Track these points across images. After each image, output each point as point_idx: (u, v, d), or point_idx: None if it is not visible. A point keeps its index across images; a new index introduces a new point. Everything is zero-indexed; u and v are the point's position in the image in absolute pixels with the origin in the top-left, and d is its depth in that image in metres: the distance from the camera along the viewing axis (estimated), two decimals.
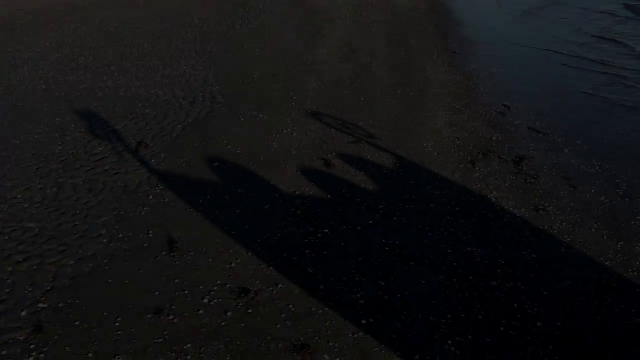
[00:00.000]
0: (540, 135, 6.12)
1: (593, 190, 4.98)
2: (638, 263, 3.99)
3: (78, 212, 4.43)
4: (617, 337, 3.29)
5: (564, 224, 4.46)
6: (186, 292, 3.55)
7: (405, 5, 12.46)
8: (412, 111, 6.69)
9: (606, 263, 3.97)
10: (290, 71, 8.01)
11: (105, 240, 4.06)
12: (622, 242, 4.23)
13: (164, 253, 3.94)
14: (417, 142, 5.85)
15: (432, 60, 8.73)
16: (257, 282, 3.67)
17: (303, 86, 7.44)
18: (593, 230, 4.38)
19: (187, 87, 7.19)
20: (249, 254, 3.96)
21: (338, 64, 8.45)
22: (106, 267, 3.76)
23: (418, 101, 7.03)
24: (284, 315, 3.39)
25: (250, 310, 3.42)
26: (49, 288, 3.58)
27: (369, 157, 5.49)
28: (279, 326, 3.30)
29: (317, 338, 3.21)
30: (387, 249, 4.06)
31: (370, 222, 4.40)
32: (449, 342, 3.21)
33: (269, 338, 3.20)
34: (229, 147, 5.59)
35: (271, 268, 3.82)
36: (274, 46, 9.19)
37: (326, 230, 4.26)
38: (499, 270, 3.87)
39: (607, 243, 4.22)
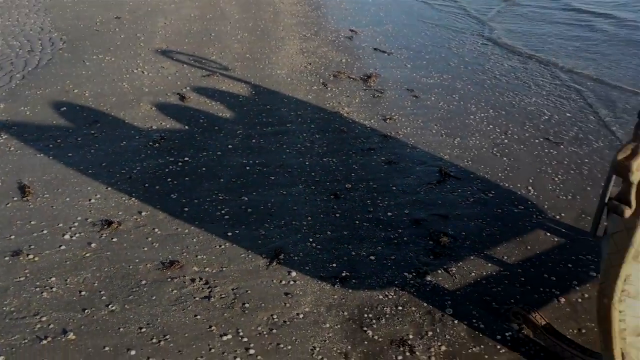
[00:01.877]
0: (385, 54, 6.50)
1: (433, 98, 5.44)
2: (471, 154, 4.47)
3: None
4: (456, 215, 3.72)
5: (409, 128, 4.85)
6: (44, 231, 3.45)
7: None
8: (263, 42, 6.77)
9: (445, 157, 4.41)
10: (134, 13, 7.70)
11: None
12: (458, 139, 4.70)
13: (15, 199, 3.76)
14: (270, 71, 5.96)
15: None
16: (120, 213, 3.65)
17: (150, 26, 7.20)
18: (433, 132, 4.82)
19: (22, 36, 6.68)
20: (109, 188, 3.90)
21: (184, 1, 8.24)
22: None
23: (269, 32, 7.11)
24: (150, 239, 3.42)
25: (115, 239, 3.41)
26: None
27: (223, 87, 5.52)
28: (145, 249, 3.33)
29: (185, 254, 3.30)
30: (247, 168, 4.19)
31: (230, 146, 4.49)
32: (310, 239, 3.45)
33: (137, 261, 3.23)
34: (75, 91, 5.34)
35: (133, 199, 3.80)
36: None
37: (186, 158, 4.29)
38: (353, 174, 4.16)
39: (445, 140, 4.68)
